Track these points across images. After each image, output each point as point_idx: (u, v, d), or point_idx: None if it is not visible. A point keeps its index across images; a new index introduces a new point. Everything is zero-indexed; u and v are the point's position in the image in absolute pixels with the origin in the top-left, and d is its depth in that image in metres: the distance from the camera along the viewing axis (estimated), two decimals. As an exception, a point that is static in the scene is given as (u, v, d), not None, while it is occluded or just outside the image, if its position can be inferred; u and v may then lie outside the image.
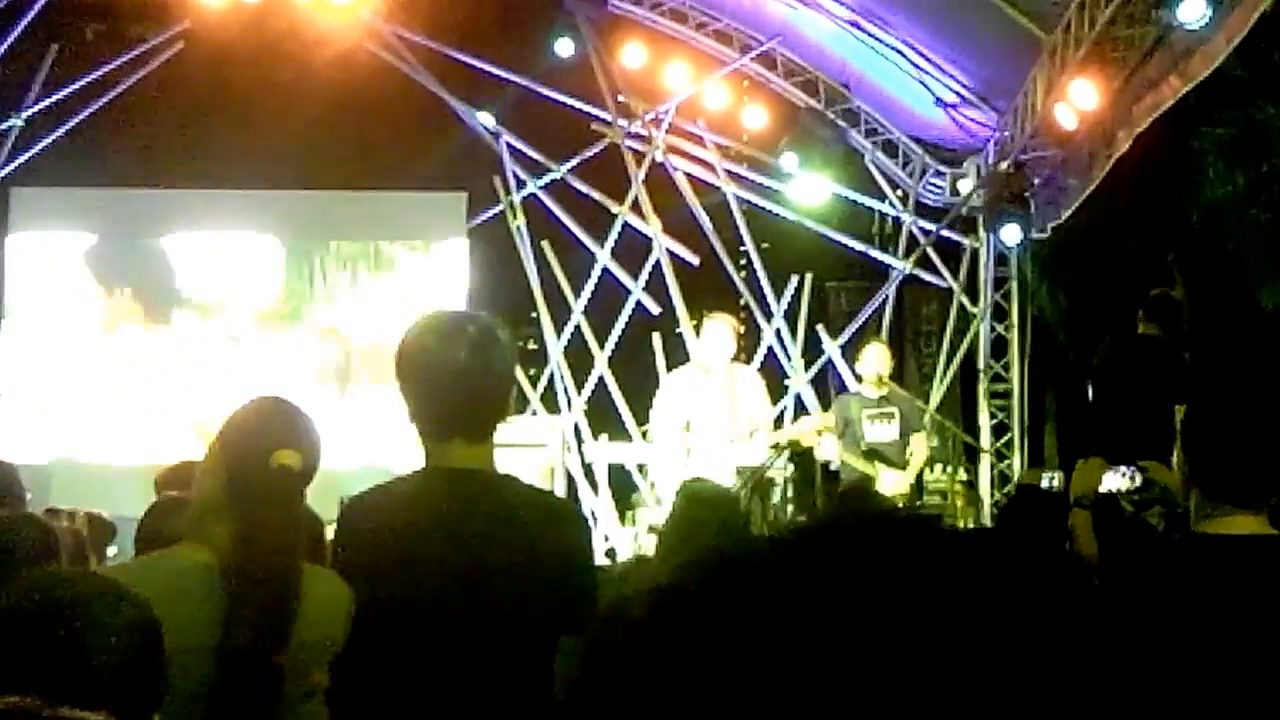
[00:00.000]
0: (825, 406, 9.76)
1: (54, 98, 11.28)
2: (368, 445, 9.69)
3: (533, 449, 8.91)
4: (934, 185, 11.51)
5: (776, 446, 7.83)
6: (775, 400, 10.46)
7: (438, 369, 2.56)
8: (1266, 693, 2.54)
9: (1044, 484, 6.51)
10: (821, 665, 0.60)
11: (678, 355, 10.11)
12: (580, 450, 10.46)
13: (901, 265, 11.28)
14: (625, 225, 11.36)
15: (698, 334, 8.54)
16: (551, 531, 2.56)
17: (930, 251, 11.27)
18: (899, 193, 11.52)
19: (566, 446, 9.87)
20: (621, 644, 0.65)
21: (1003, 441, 11.18)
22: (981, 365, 11.25)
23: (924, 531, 0.69)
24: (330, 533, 3.15)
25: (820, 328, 11.32)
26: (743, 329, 10.97)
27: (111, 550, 5.84)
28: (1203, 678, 2.57)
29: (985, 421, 11.20)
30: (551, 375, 11.34)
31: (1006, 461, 11.12)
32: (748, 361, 10.90)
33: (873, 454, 8.35)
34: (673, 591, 0.66)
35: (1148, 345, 7.07)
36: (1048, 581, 0.67)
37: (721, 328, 8.06)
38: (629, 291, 11.24)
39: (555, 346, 11.36)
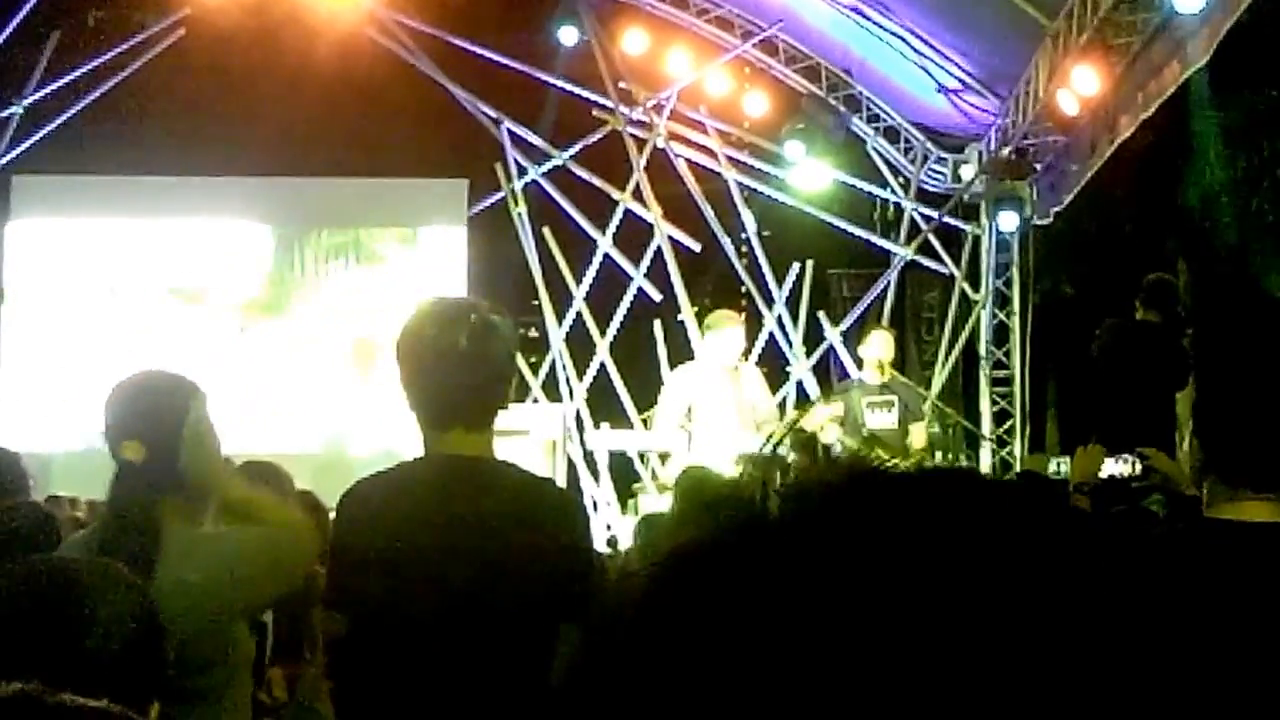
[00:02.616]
0: (826, 393, 9.75)
1: (55, 85, 11.28)
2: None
3: (534, 437, 8.92)
4: (936, 172, 11.50)
5: (787, 427, 7.84)
6: (777, 387, 10.46)
7: (436, 357, 2.55)
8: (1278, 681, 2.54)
9: (1050, 470, 6.51)
10: (837, 628, 0.58)
11: (679, 342, 10.12)
12: (581, 438, 10.46)
13: (903, 252, 11.27)
14: (627, 212, 11.35)
15: (699, 322, 8.56)
16: (548, 518, 2.55)
17: (932, 238, 11.26)
18: (901, 179, 11.50)
19: (568, 435, 9.88)
20: (625, 618, 0.63)
21: (1004, 428, 11.18)
22: (983, 352, 11.25)
23: (949, 484, 0.65)
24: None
25: (822, 314, 11.31)
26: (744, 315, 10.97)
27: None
28: (1218, 666, 2.56)
29: (986, 408, 11.20)
30: (553, 363, 11.34)
31: (1008, 448, 11.12)
32: (749, 349, 10.91)
33: (873, 441, 8.35)
34: (678, 559, 0.64)
35: (1146, 331, 7.06)
36: (1076, 545, 0.64)
37: (738, 333, 8.16)
38: (630, 278, 11.23)
39: (556, 334, 11.36)
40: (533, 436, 8.65)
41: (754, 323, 11.56)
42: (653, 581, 0.63)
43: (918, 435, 8.49)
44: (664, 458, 8.45)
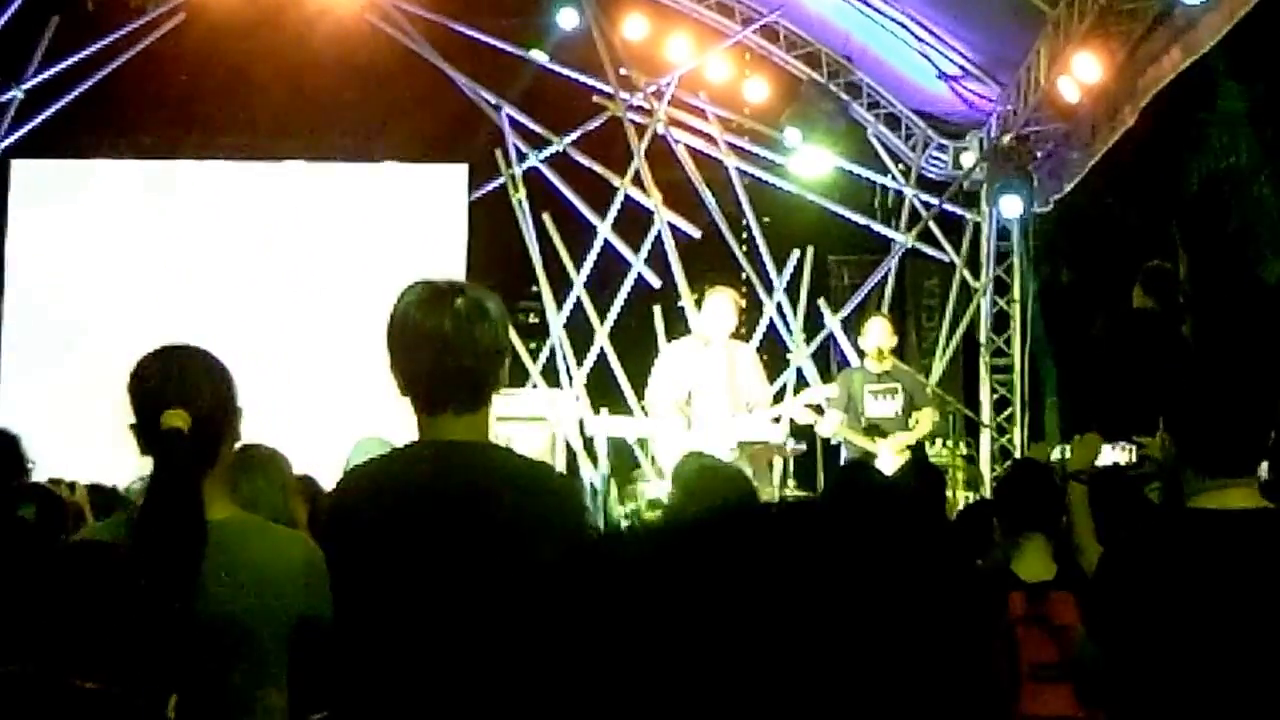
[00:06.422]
0: (826, 380, 9.76)
1: (55, 69, 11.26)
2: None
3: (535, 422, 8.94)
4: (936, 159, 11.50)
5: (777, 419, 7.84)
6: (777, 374, 10.47)
7: (421, 341, 2.51)
8: (1268, 667, 2.55)
9: (1053, 458, 6.51)
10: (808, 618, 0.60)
11: (679, 329, 10.11)
12: (580, 424, 10.47)
13: (903, 239, 11.27)
14: (626, 198, 11.34)
15: (699, 307, 8.55)
16: (539, 502, 2.51)
17: (932, 225, 11.26)
18: (901, 166, 11.50)
19: (574, 420, 9.90)
20: (617, 577, 0.64)
21: (1004, 416, 11.19)
22: (983, 339, 11.26)
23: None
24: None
25: (822, 301, 11.31)
26: (744, 303, 10.98)
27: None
28: (1206, 654, 2.58)
29: (986, 396, 11.21)
30: (552, 348, 11.35)
31: (1007, 436, 11.14)
32: (749, 336, 10.91)
33: (873, 429, 8.35)
34: (683, 523, 0.66)
35: (1145, 319, 7.05)
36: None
37: (723, 301, 8.07)
38: (630, 265, 11.23)
39: (556, 319, 11.36)
40: (545, 422, 8.68)
41: (754, 309, 11.57)
42: (647, 546, 0.64)
43: (924, 422, 8.48)
44: (658, 442, 8.40)
